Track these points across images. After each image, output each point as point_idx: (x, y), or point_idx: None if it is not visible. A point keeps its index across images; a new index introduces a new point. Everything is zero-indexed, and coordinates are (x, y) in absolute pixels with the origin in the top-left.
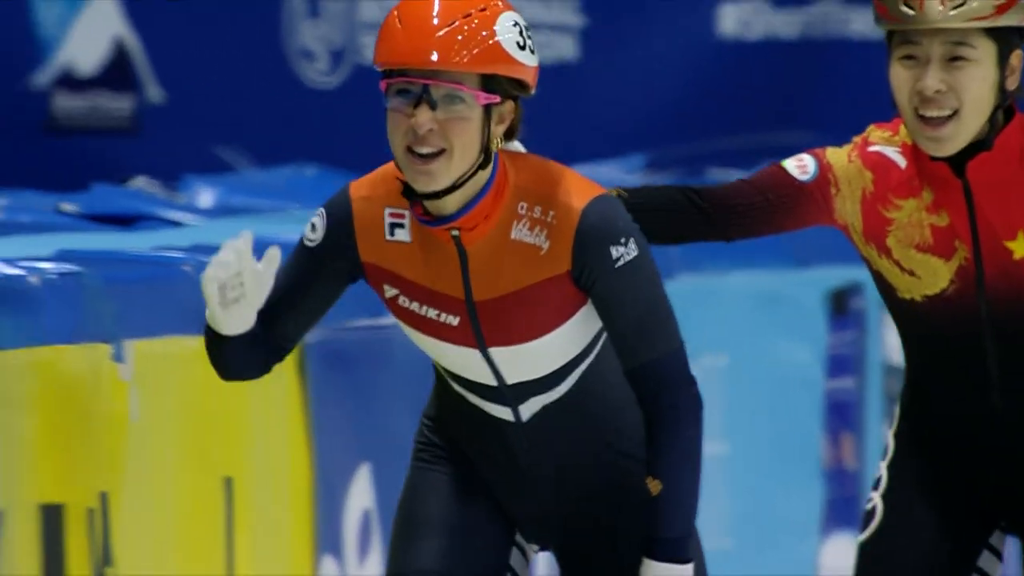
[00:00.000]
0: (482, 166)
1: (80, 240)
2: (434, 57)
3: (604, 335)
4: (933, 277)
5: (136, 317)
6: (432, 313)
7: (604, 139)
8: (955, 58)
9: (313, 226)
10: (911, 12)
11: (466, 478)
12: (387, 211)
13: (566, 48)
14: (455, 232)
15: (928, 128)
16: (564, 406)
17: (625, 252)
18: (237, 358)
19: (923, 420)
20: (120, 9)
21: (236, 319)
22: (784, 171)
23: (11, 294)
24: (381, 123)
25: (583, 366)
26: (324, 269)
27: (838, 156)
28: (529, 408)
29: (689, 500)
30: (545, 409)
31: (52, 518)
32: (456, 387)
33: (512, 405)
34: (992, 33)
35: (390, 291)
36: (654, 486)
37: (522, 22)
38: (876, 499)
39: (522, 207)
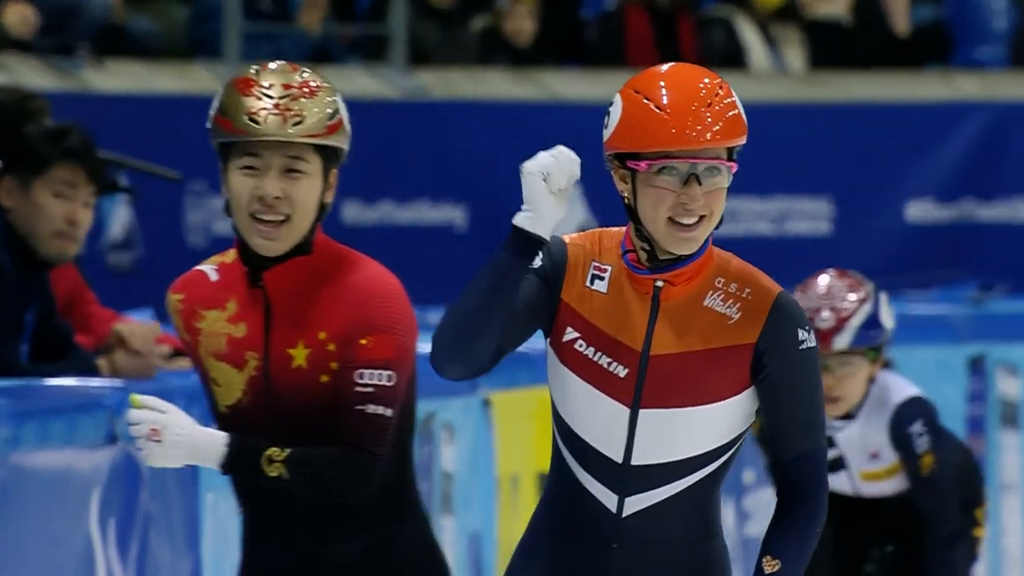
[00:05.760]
0: None
1: None
2: (708, 138)
3: (737, 449)
4: (229, 388)
5: None
6: (604, 361)
7: None
8: (291, 170)
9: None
10: (255, 126)
11: None
12: (592, 263)
13: None
14: (659, 283)
15: (265, 228)
16: (666, 511)
17: (808, 339)
18: (504, 305)
19: None
20: None
21: (560, 208)
22: None
23: None
24: None
25: (708, 469)
26: (540, 293)
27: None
28: (634, 504)
29: None
30: (648, 510)
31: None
32: (571, 463)
33: (621, 493)
34: (321, 150)
35: (571, 334)
36: (771, 565)
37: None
38: None
39: (719, 281)
